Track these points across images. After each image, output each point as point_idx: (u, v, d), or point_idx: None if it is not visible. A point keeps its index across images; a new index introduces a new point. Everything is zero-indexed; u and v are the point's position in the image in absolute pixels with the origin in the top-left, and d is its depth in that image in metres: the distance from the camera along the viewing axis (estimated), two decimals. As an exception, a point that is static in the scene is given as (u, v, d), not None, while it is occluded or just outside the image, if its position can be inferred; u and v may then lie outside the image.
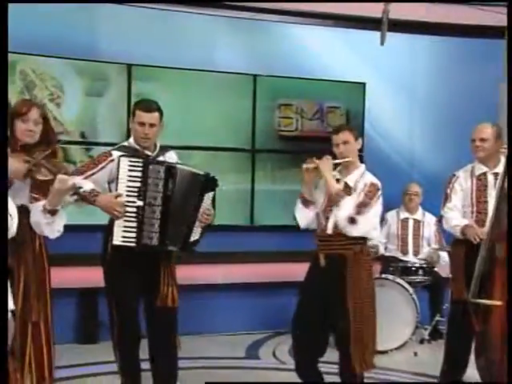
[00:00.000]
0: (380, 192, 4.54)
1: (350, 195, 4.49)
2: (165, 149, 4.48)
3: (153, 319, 4.42)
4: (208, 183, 4.36)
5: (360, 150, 7.12)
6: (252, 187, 6.74)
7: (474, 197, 4.89)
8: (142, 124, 4.31)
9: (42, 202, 3.79)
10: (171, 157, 4.48)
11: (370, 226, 4.50)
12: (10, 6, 5.07)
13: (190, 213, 4.28)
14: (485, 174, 4.89)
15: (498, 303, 4.49)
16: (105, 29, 6.31)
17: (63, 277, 5.90)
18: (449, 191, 4.96)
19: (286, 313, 6.43)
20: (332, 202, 4.44)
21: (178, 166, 4.33)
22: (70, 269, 6.02)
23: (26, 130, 3.82)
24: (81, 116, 6.26)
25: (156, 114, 4.35)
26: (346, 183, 4.55)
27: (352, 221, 4.41)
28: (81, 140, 6.24)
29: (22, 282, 3.86)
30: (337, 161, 4.54)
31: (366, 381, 5.01)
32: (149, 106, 4.39)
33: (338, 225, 4.44)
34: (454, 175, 4.99)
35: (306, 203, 4.59)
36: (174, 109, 6.37)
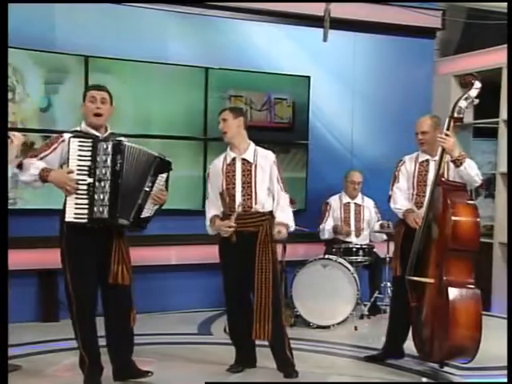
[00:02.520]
0: None
1: (250, 170, 4.71)
2: (116, 134, 4.47)
3: (106, 296, 4.44)
4: (162, 164, 4.38)
5: (304, 138, 7.29)
6: (204, 174, 6.69)
7: (416, 180, 5.01)
8: (94, 99, 4.32)
9: None
10: (128, 143, 4.41)
11: None
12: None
13: (143, 190, 4.29)
14: (427, 160, 5.02)
15: (431, 281, 4.65)
16: (64, 22, 6.22)
17: (24, 259, 5.88)
18: (397, 173, 5.09)
19: (235, 291, 6.53)
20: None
21: (126, 143, 4.31)
22: (29, 251, 6.00)
23: None
24: (40, 105, 6.19)
25: (105, 93, 4.38)
26: (245, 159, 4.74)
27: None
28: (38, 128, 6.15)
29: None
30: None
31: (310, 352, 5.20)
32: (98, 85, 4.45)
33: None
34: (401, 160, 5.14)
35: None
36: (131, 99, 6.39)
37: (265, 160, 4.76)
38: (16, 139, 4.36)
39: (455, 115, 4.75)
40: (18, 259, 5.32)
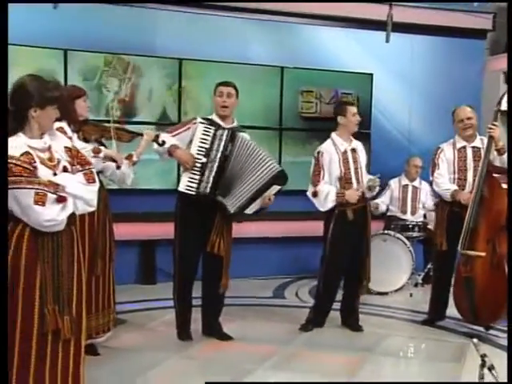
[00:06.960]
0: None
1: (357, 157, 4.96)
2: (241, 128, 4.59)
3: (204, 263, 4.62)
4: (281, 178, 4.46)
5: (367, 128, 7.35)
6: (279, 159, 6.77)
7: (456, 166, 5.04)
8: (221, 94, 4.50)
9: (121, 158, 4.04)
10: (244, 135, 4.52)
11: None
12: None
13: (256, 188, 4.37)
14: (464, 147, 5.05)
15: (482, 254, 4.74)
16: (161, 30, 6.51)
17: (127, 231, 6.06)
18: (436, 161, 5.11)
19: (306, 261, 6.71)
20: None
21: (242, 134, 4.44)
22: (133, 224, 6.21)
23: (86, 106, 4.14)
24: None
25: (232, 88, 4.54)
26: (353, 149, 4.98)
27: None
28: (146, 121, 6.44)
29: (87, 244, 3.98)
30: None
31: (370, 315, 5.32)
32: (227, 82, 4.60)
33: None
34: (439, 148, 5.17)
35: None
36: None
37: (362, 149, 5.06)
38: (148, 135, 4.26)
39: (502, 108, 4.83)
40: (123, 231, 5.56)
